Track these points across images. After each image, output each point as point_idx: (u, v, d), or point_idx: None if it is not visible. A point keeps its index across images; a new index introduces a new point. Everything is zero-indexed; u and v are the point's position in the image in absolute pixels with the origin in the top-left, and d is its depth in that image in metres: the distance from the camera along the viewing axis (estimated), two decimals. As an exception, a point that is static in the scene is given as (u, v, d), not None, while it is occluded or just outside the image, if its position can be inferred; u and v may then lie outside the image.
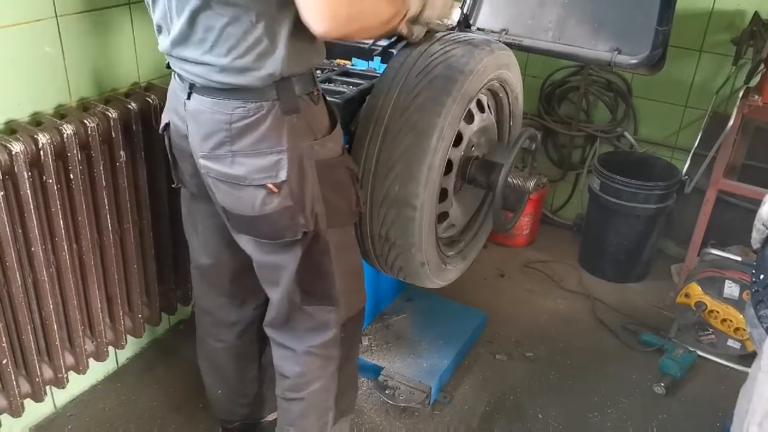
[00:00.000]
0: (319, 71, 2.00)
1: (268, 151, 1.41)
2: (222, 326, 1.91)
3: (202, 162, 1.48)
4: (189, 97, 1.46)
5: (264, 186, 1.44)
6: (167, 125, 1.61)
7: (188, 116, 1.48)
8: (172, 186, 1.77)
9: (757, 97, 2.35)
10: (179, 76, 1.49)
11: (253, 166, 1.42)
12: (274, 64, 1.35)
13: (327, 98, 1.57)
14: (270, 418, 2.13)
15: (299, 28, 1.31)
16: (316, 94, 1.48)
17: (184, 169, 1.64)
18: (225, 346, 1.93)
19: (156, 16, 1.46)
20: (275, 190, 1.44)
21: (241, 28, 1.31)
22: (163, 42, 1.46)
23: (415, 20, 1.59)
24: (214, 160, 1.45)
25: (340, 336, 1.68)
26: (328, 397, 1.75)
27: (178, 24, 1.37)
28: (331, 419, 1.78)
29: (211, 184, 1.51)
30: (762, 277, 1.43)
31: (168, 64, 1.54)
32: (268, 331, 1.73)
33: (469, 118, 1.90)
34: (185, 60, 1.42)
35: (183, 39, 1.38)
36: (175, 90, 1.53)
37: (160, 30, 1.48)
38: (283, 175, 1.43)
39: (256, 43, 1.32)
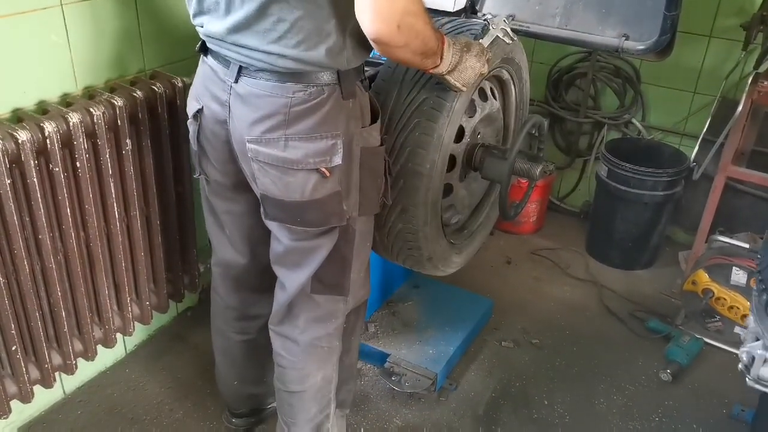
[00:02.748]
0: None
1: (325, 135, 1.41)
2: (245, 320, 1.90)
3: (250, 146, 1.44)
4: (237, 81, 1.42)
5: (317, 170, 1.43)
6: (199, 111, 1.55)
7: (234, 100, 1.44)
8: (194, 176, 1.74)
9: (766, 82, 2.33)
10: (223, 58, 1.45)
11: (308, 150, 1.41)
12: (340, 60, 1.36)
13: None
14: (275, 403, 2.15)
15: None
16: (365, 81, 1.50)
17: (214, 157, 1.60)
18: (246, 338, 1.92)
19: None
20: (328, 174, 1.43)
21: (314, 23, 1.30)
22: (212, 26, 1.43)
23: (442, 79, 1.56)
24: (264, 144, 1.42)
25: (343, 327, 1.68)
26: (329, 388, 1.75)
27: (241, 11, 1.34)
28: (332, 412, 1.78)
29: (256, 169, 1.47)
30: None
31: (201, 46, 1.51)
32: (272, 322, 1.71)
33: (472, 110, 1.90)
34: (243, 46, 1.38)
35: (245, 27, 1.36)
36: (214, 74, 1.48)
37: (202, 12, 1.44)
38: (338, 160, 1.43)
39: (326, 39, 1.32)
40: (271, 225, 1.58)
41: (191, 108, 1.58)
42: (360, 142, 1.48)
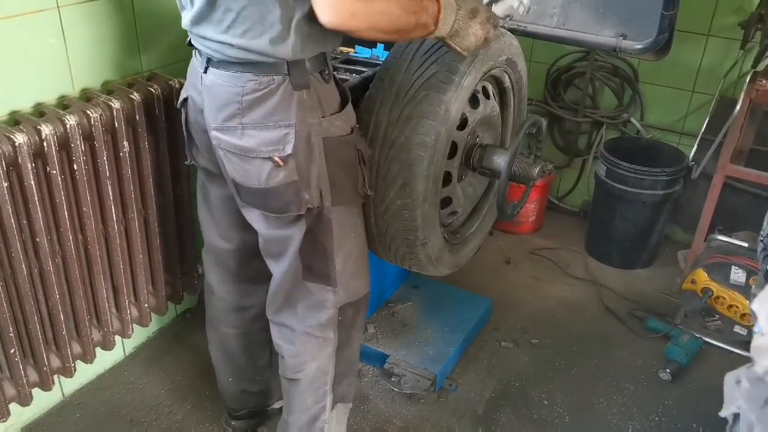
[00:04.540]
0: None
1: (277, 125, 1.45)
2: (236, 312, 1.93)
3: (214, 134, 1.52)
4: (206, 71, 1.50)
5: (270, 159, 1.47)
6: (185, 100, 1.64)
7: (204, 90, 1.52)
8: (186, 163, 1.79)
9: (764, 81, 2.33)
10: (198, 51, 1.54)
11: (261, 139, 1.46)
12: (284, 50, 1.39)
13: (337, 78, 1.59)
14: (276, 405, 2.15)
15: (312, 18, 1.34)
16: (327, 73, 1.51)
17: (199, 144, 1.67)
18: (238, 332, 1.95)
19: None
20: (281, 163, 1.47)
21: (258, 13, 1.35)
22: (184, 18, 1.51)
23: (443, 42, 1.57)
24: (225, 132, 1.49)
25: (338, 319, 1.69)
26: (325, 380, 1.75)
27: (198, 3, 1.42)
28: (329, 404, 1.79)
29: (222, 156, 1.54)
30: None
31: (189, 41, 1.57)
32: (269, 312, 1.75)
33: (475, 102, 1.90)
34: (204, 37, 1.46)
35: (202, 18, 1.43)
36: (194, 65, 1.57)
37: (183, 7, 1.52)
38: (289, 149, 1.46)
39: (269, 29, 1.37)
40: (247, 213, 1.64)
41: (181, 96, 1.66)
42: (320, 133, 1.49)
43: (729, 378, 1.28)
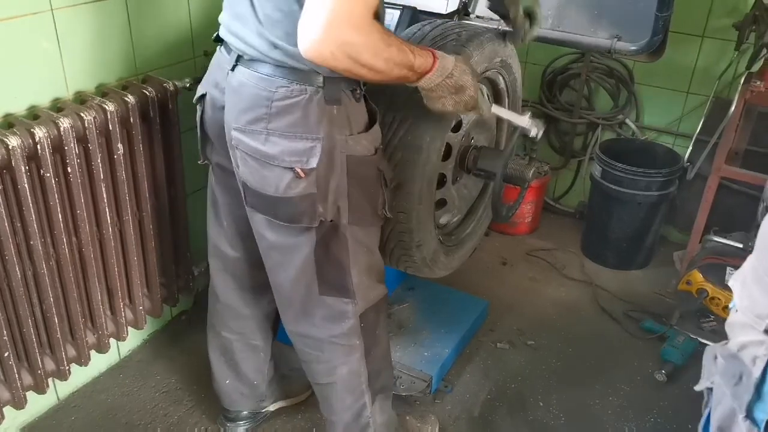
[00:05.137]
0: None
1: (304, 136, 1.42)
2: (239, 319, 1.93)
3: (234, 134, 1.48)
4: (233, 69, 1.47)
5: (292, 169, 1.44)
6: (202, 97, 1.63)
7: (229, 88, 1.49)
8: (199, 162, 1.77)
9: (759, 82, 2.34)
10: (227, 48, 1.52)
11: (286, 148, 1.43)
12: None
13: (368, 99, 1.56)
14: (272, 408, 2.15)
15: None
16: (359, 92, 1.49)
17: (216, 142, 1.65)
18: (239, 338, 1.95)
19: None
20: (302, 175, 1.44)
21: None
22: (224, 13, 1.51)
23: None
24: (247, 134, 1.46)
25: (360, 326, 1.68)
26: (360, 380, 1.76)
27: None
28: (368, 401, 1.79)
29: (238, 158, 1.51)
30: None
31: (217, 35, 1.56)
32: (286, 324, 1.74)
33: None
34: (242, 33, 1.43)
35: (249, 13, 1.40)
36: (220, 62, 1.55)
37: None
38: (314, 162, 1.44)
39: None
40: (253, 219, 1.60)
41: (199, 92, 1.65)
42: (345, 150, 1.48)
43: (707, 353, 1.29)
